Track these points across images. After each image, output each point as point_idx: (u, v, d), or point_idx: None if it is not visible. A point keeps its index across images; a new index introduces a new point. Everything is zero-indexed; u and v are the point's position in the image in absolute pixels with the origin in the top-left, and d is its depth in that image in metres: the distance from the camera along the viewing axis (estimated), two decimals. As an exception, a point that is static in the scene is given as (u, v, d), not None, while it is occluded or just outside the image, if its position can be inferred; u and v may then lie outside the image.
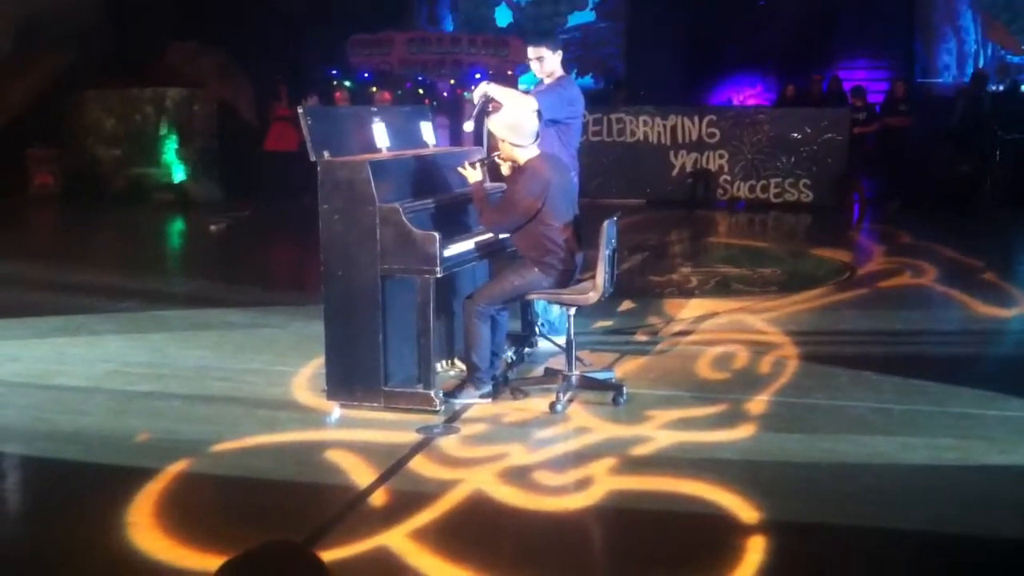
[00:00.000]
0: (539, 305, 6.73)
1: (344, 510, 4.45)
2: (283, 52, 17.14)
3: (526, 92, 7.08)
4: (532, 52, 6.83)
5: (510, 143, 5.75)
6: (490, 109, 6.38)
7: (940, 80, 19.51)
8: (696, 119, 15.24)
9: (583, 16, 20.87)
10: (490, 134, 6.79)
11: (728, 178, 15.08)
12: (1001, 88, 17.79)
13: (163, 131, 16.29)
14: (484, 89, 6.44)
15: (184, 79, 16.65)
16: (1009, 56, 19.05)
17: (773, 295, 8.73)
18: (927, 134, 15.87)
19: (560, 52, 6.89)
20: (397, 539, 4.16)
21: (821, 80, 17.03)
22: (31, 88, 15.91)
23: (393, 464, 4.92)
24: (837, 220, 13.83)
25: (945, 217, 13.55)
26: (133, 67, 16.29)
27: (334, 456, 5.04)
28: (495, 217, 5.76)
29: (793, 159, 14.80)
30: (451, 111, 15.70)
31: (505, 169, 5.93)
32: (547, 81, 6.87)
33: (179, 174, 16.27)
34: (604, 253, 5.68)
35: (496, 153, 6.02)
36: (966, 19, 19.69)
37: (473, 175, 5.87)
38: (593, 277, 5.73)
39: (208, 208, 14.81)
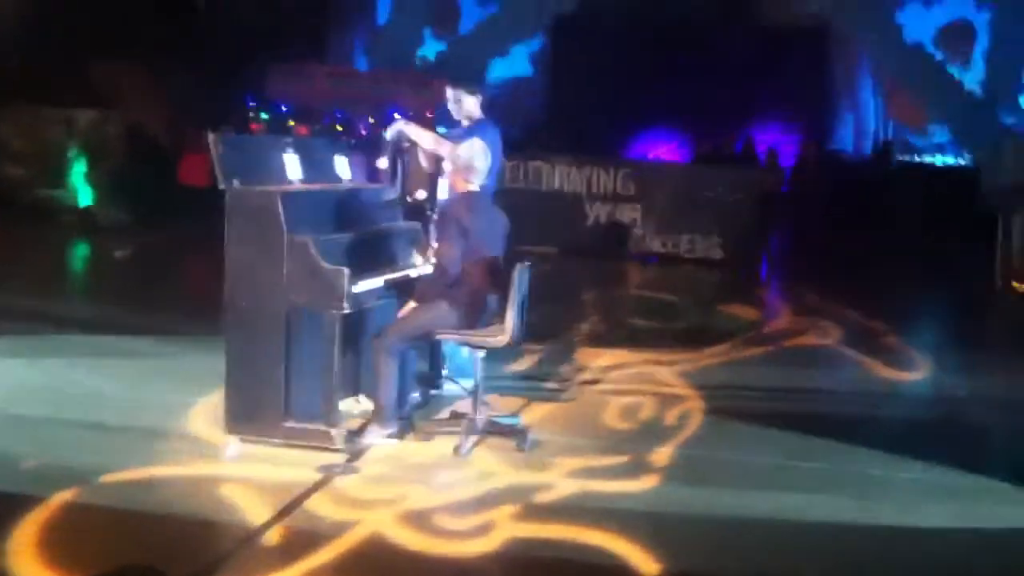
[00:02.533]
0: (448, 347, 6.66)
1: (236, 548, 4.33)
2: (201, 81, 16.91)
3: (443, 135, 7.06)
4: (451, 93, 6.82)
5: (462, 179, 5.82)
6: (405, 147, 6.39)
7: (847, 148, 20.04)
8: (612, 170, 15.36)
9: (519, 67, 20.99)
10: (406, 172, 6.76)
11: (641, 231, 15.21)
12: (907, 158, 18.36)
13: (72, 153, 15.92)
14: (400, 127, 6.42)
15: (98, 96, 16.30)
16: (910, 135, 19.51)
17: (681, 348, 8.77)
18: (835, 197, 16.26)
19: (479, 96, 6.88)
20: (290, 580, 4.04)
21: (735, 139, 17.38)
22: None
23: (290, 502, 4.80)
24: (746, 278, 14.02)
25: (851, 280, 13.81)
26: (50, 84, 15.90)
27: (229, 491, 4.90)
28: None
29: (705, 215, 14.99)
30: (368, 148, 15.61)
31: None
32: (464, 123, 6.85)
33: (86, 197, 15.89)
34: (515, 298, 5.65)
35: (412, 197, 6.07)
36: (866, 93, 20.23)
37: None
38: (503, 321, 5.69)
39: (114, 233, 14.47)
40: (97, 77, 16.73)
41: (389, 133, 6.48)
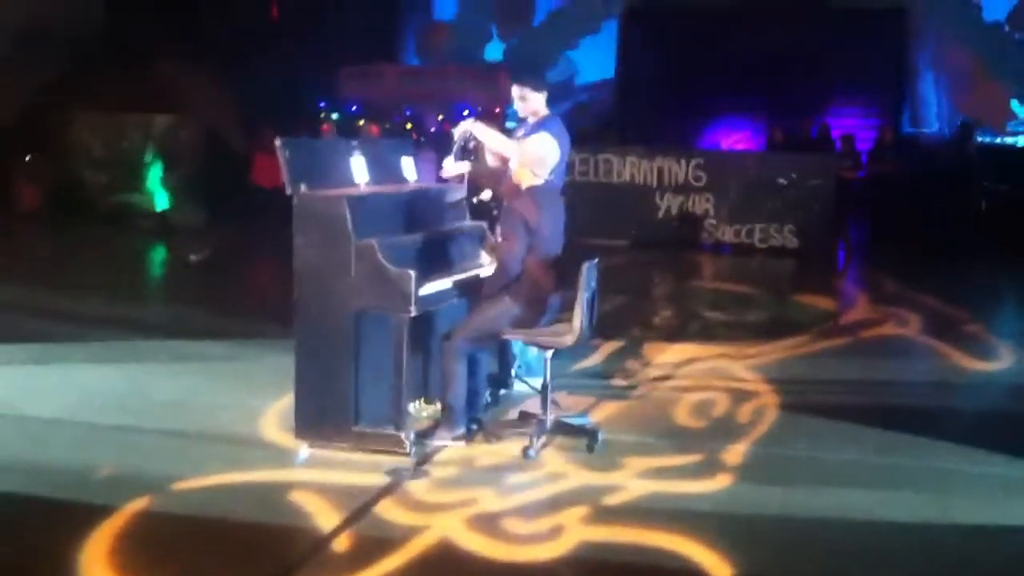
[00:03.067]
0: (516, 346, 6.63)
1: (306, 554, 4.34)
2: (275, 83, 17.11)
3: (510, 133, 7.01)
4: (516, 91, 6.74)
5: (531, 172, 5.74)
6: (472, 146, 6.34)
7: (927, 130, 19.57)
8: (683, 161, 15.21)
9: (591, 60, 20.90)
10: (473, 172, 6.72)
11: (713, 221, 15.04)
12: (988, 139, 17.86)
13: (149, 157, 16.21)
14: (467, 127, 6.37)
15: (173, 101, 16.56)
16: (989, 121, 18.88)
17: (755, 341, 8.64)
18: (914, 181, 15.90)
19: (544, 92, 6.80)
20: (360, 586, 4.04)
21: (810, 126, 17.07)
22: (21, 98, 15.86)
23: (359, 507, 4.80)
24: (822, 267, 13.78)
25: (930, 266, 13.52)
26: (123, 87, 16.19)
27: (299, 497, 4.92)
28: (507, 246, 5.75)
29: (779, 204, 14.76)
30: (438, 146, 15.66)
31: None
32: (531, 120, 6.78)
33: (163, 201, 16.17)
34: (583, 295, 5.60)
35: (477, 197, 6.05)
36: (943, 74, 19.74)
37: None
38: (571, 319, 5.64)
39: (191, 236, 14.69)
40: (172, 82, 17.00)
41: (457, 132, 6.44)
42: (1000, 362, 8.38)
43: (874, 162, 15.94)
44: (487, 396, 6.34)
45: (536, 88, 6.69)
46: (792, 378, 7.46)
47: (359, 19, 18.99)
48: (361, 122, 16.51)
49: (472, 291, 6.06)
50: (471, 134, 6.40)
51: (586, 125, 17.99)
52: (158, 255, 14.35)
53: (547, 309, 5.75)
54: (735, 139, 19.83)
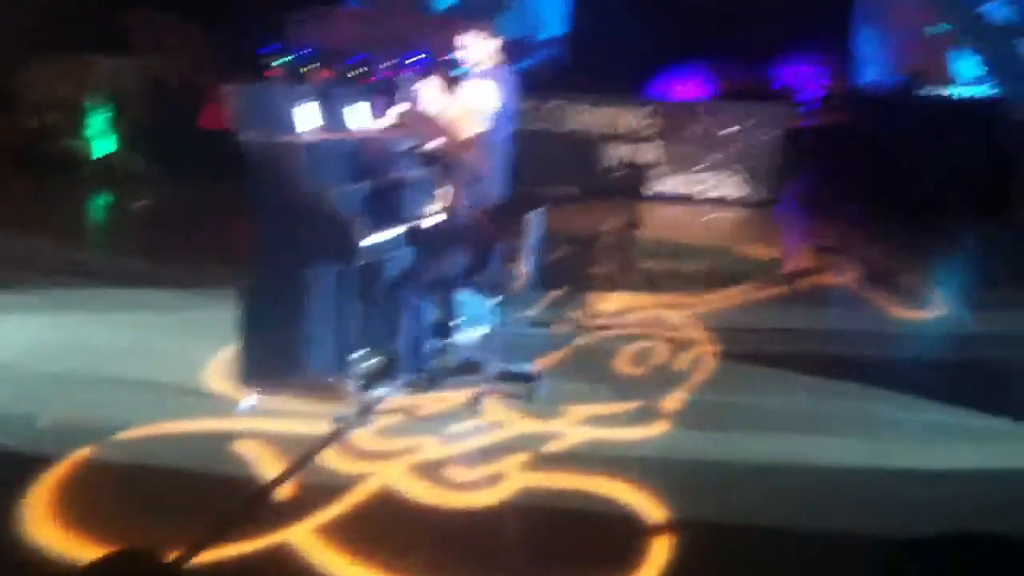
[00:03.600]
0: (461, 295, 6.67)
1: (249, 502, 4.39)
2: (221, 27, 16.86)
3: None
4: (460, 40, 6.75)
5: (471, 120, 5.82)
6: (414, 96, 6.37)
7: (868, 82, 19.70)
8: (633, 111, 15.25)
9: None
10: (425, 116, 6.72)
11: (663, 171, 15.13)
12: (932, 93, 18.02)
13: (93, 102, 15.94)
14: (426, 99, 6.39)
15: (121, 46, 16.29)
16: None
17: (696, 291, 8.76)
18: (862, 134, 16.06)
19: (492, 40, 6.80)
20: (301, 534, 4.11)
21: (760, 76, 17.17)
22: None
23: (303, 456, 4.87)
24: (768, 217, 13.93)
25: (877, 216, 13.71)
26: (68, 32, 15.88)
27: (243, 446, 4.97)
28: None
29: (728, 153, 14.88)
30: (391, 92, 15.54)
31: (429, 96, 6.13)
32: (477, 70, 6.80)
33: (107, 147, 15.94)
34: (529, 243, 5.65)
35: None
36: (892, 26, 19.83)
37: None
38: (516, 267, 5.70)
39: (135, 182, 14.54)
40: (118, 26, 16.71)
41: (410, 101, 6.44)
42: (934, 311, 8.58)
43: (823, 113, 16.08)
44: (431, 344, 6.39)
45: (483, 36, 6.70)
46: (731, 327, 7.59)
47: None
48: (313, 67, 16.33)
49: (420, 240, 6.08)
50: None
51: (537, 74, 17.96)
52: (101, 201, 14.17)
53: (493, 257, 5.80)
54: (686, 89, 19.88)
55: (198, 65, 16.90)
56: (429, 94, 6.32)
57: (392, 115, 6.37)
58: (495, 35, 6.92)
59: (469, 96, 5.87)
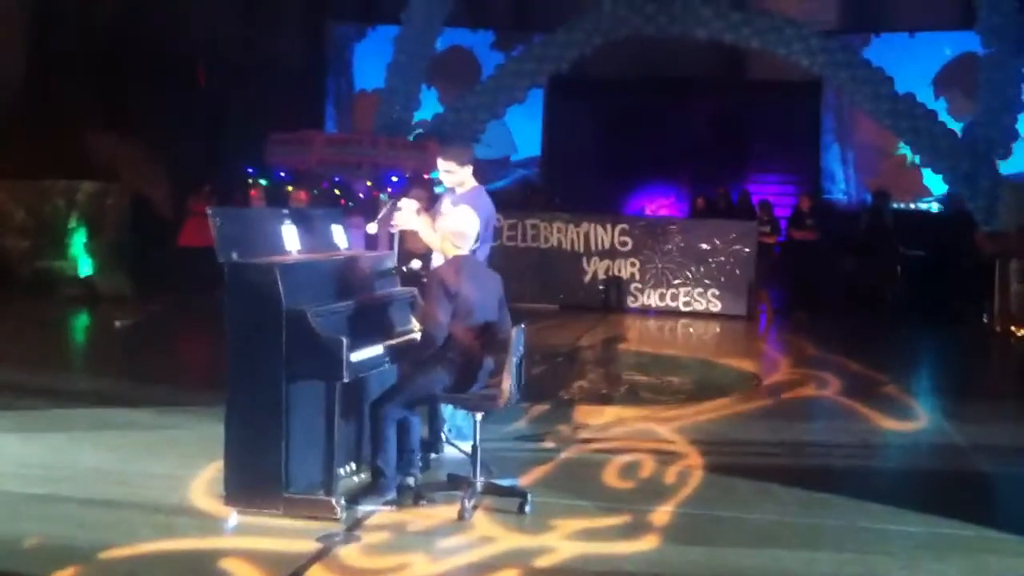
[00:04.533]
0: (446, 410, 6.69)
1: (237, 622, 4.32)
2: (201, 148, 17.13)
3: (438, 199, 7.18)
4: (442, 164, 6.93)
5: (452, 244, 5.91)
6: (394, 215, 6.51)
7: (838, 199, 20.16)
8: (608, 227, 15.49)
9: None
10: (402, 236, 6.84)
11: (639, 285, 15.30)
12: (902, 206, 18.46)
13: (73, 224, 16.03)
14: (399, 222, 6.54)
15: (100, 170, 16.45)
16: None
17: (680, 404, 8.80)
18: (832, 247, 16.38)
19: (469, 165, 6.98)
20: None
21: (731, 193, 17.53)
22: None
23: (291, 574, 4.79)
24: (744, 330, 14.06)
25: (850, 330, 13.88)
26: (48, 156, 16.04)
27: (230, 565, 4.90)
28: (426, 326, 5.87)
29: (702, 269, 15.09)
30: (367, 212, 15.72)
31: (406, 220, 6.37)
32: (458, 191, 6.95)
33: (87, 268, 15.98)
34: (512, 360, 5.70)
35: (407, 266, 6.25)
36: (859, 143, 20.40)
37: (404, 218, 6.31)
38: (500, 383, 5.73)
39: (116, 303, 14.53)
40: (97, 149, 16.89)
41: (398, 220, 6.59)
42: (916, 422, 8.63)
43: (793, 228, 16.38)
44: (418, 460, 6.37)
45: (460, 162, 6.89)
46: (716, 440, 7.61)
47: (285, 88, 19.14)
48: (289, 188, 16.52)
49: (403, 357, 6.13)
50: (401, 228, 6.58)
51: (514, 191, 18.29)
52: (83, 322, 14.15)
53: (477, 374, 5.84)
54: (659, 205, 20.24)
55: (175, 188, 17.08)
56: (407, 214, 6.48)
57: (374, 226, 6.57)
58: (470, 159, 7.09)
59: (450, 222, 5.99)
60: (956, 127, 17.49)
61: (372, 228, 6.78)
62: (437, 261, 6.84)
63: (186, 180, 16.39)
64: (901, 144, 18.71)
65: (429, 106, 20.44)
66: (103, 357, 11.58)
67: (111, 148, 16.91)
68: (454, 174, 6.87)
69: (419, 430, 6.25)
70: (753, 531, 5.64)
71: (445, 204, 6.87)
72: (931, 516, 5.90)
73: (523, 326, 5.95)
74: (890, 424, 8.37)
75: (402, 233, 6.94)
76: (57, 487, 5.98)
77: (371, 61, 21.53)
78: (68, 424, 7.47)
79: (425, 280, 7.05)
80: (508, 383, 5.69)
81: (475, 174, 7.04)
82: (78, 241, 16.01)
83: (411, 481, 6.06)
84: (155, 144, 16.90)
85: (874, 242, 16.57)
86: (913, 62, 19.09)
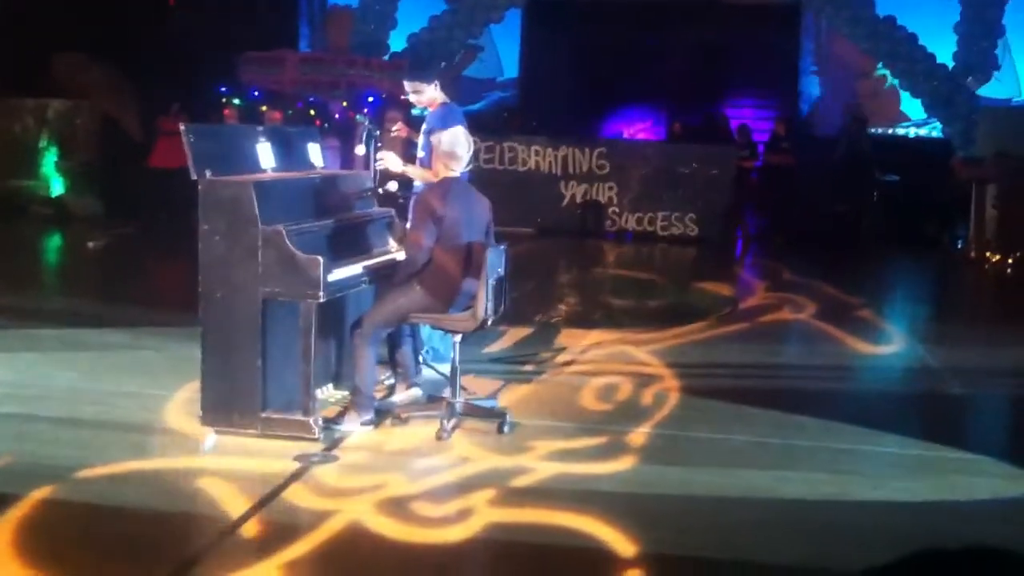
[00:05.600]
0: (424, 331, 6.67)
1: (214, 541, 4.33)
2: (174, 68, 16.80)
3: (417, 122, 7.14)
4: (408, 86, 6.89)
5: (444, 166, 5.85)
6: (377, 134, 6.44)
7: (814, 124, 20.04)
8: (587, 151, 15.40)
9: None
10: (378, 160, 6.77)
11: (616, 210, 15.26)
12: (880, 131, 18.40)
13: (43, 143, 15.79)
14: (385, 167, 6.50)
15: (70, 90, 16.19)
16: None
17: (657, 327, 8.82)
18: (810, 172, 16.36)
19: (436, 82, 6.93)
20: (268, 572, 4.04)
21: (708, 117, 17.42)
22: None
23: (268, 493, 4.79)
24: (721, 254, 14.09)
25: (825, 254, 13.92)
26: (17, 75, 15.74)
27: (206, 484, 4.89)
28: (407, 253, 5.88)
29: (680, 193, 15.05)
30: (342, 133, 15.56)
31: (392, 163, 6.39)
32: (431, 109, 6.91)
33: (58, 188, 15.79)
34: (488, 281, 5.66)
35: (384, 187, 6.21)
36: (837, 67, 20.25)
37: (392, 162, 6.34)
38: (479, 303, 5.70)
39: (88, 223, 14.39)
40: (68, 68, 16.58)
41: (384, 166, 6.55)
42: (890, 346, 8.70)
43: (770, 153, 16.34)
44: (412, 366, 6.36)
45: (425, 79, 6.87)
46: (692, 363, 7.64)
47: (257, 5, 18.77)
48: (264, 108, 16.31)
49: (381, 277, 6.08)
50: (388, 172, 6.53)
51: (491, 114, 18.10)
52: (55, 243, 14.01)
53: (458, 296, 5.80)
54: (636, 129, 20.10)
55: (147, 107, 16.82)
56: (392, 160, 6.46)
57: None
58: (435, 76, 7.05)
59: (445, 143, 5.92)
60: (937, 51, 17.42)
61: (360, 151, 6.76)
62: (417, 183, 6.79)
63: (158, 101, 16.12)
64: (880, 66, 18.63)
65: (405, 25, 20.12)
66: (75, 278, 11.49)
67: (80, 67, 16.61)
68: (422, 93, 6.86)
69: (396, 351, 6.24)
70: (728, 452, 5.68)
71: (426, 126, 6.83)
72: (903, 437, 5.97)
73: (503, 247, 5.91)
74: (864, 347, 8.43)
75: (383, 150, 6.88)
76: (30, 406, 5.95)
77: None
78: (40, 344, 7.42)
79: (402, 201, 7.02)
80: (482, 304, 5.66)
81: (445, 90, 7.01)
82: (49, 161, 15.79)
83: (416, 391, 6.15)
84: (125, 64, 16.61)
85: (850, 166, 16.57)
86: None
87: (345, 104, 17.21)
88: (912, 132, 19.33)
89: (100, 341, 7.57)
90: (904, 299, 11.91)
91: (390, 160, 6.53)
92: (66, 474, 4.91)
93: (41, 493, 4.67)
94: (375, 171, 6.77)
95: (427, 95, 6.87)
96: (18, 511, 4.48)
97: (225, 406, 5.48)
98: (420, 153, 6.93)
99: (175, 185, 13.72)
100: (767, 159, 16.33)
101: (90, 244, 12.78)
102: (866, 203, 16.19)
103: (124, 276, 11.14)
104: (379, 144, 6.77)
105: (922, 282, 13.16)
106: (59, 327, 7.94)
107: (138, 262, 12.43)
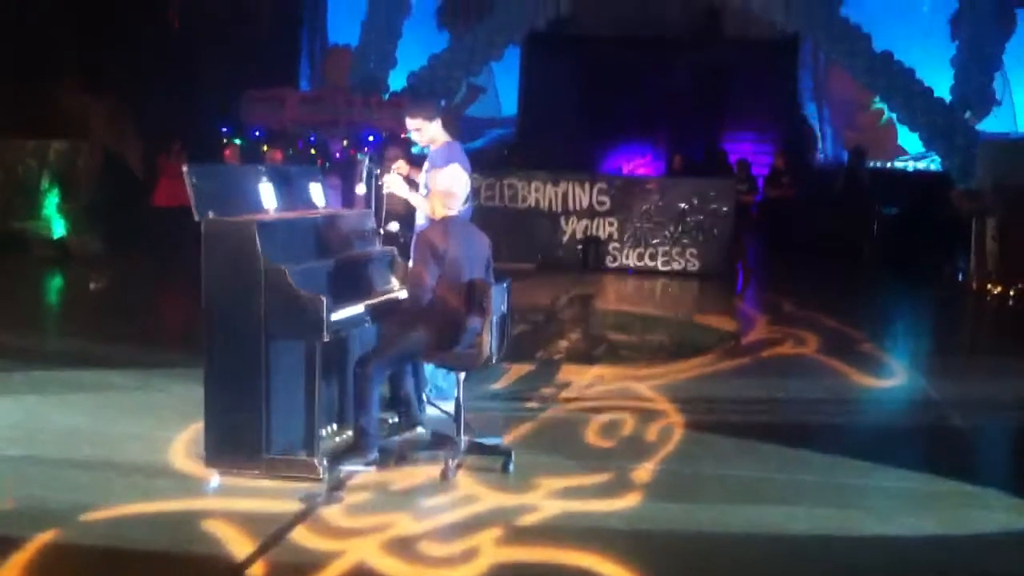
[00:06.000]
0: (428, 369, 6.67)
1: (221, 583, 4.31)
2: (175, 106, 16.90)
3: (417, 160, 7.18)
4: (410, 123, 6.92)
5: (442, 205, 5.92)
6: (378, 173, 6.48)
7: (817, 157, 20.17)
8: (587, 186, 15.44)
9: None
10: (385, 197, 6.79)
11: (617, 245, 15.28)
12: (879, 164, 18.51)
13: (45, 184, 15.84)
14: (387, 188, 6.55)
15: (72, 125, 16.25)
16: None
17: (660, 362, 8.82)
18: (809, 204, 16.43)
19: (438, 120, 6.97)
20: (275, 613, 4.03)
21: (708, 151, 17.51)
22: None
23: (273, 534, 4.79)
24: (722, 289, 14.09)
25: (826, 287, 13.93)
26: (18, 113, 15.80)
27: (212, 526, 4.88)
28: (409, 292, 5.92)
29: (680, 228, 15.07)
30: (343, 172, 15.61)
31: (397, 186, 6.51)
32: (432, 147, 6.94)
33: (60, 228, 15.82)
34: (491, 319, 5.68)
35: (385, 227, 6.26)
36: (834, 102, 20.41)
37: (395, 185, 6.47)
38: (482, 341, 5.71)
39: (90, 264, 14.40)
40: (68, 107, 16.67)
41: (384, 184, 6.61)
42: (893, 379, 8.70)
43: (770, 187, 16.40)
44: (398, 419, 6.36)
45: (428, 118, 6.91)
46: (696, 397, 7.63)
47: (259, 43, 18.92)
48: (265, 148, 16.38)
49: (384, 315, 6.09)
50: (391, 195, 6.58)
51: (491, 151, 18.17)
52: (57, 284, 14.02)
53: (462, 334, 5.81)
54: (636, 164, 20.19)
55: (148, 145, 16.91)
56: (395, 181, 6.49)
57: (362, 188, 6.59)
58: (438, 114, 7.08)
59: (442, 182, 5.97)
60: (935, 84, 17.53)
61: (360, 189, 6.79)
62: (420, 221, 6.82)
63: (159, 137, 16.20)
64: (876, 99, 18.75)
65: (405, 64, 20.27)
66: (77, 318, 11.46)
67: (83, 104, 16.70)
68: (423, 131, 6.89)
69: (400, 390, 6.24)
70: (733, 487, 5.67)
71: (427, 165, 6.86)
72: (908, 471, 5.97)
73: (506, 284, 5.92)
74: (867, 381, 8.42)
75: (381, 197, 6.91)
76: (32, 449, 5.94)
77: (345, 14, 21.30)
78: (42, 386, 7.39)
79: (403, 241, 7.05)
80: (487, 342, 5.67)
81: (447, 128, 7.04)
82: (51, 202, 15.83)
83: (420, 429, 6.20)
84: (127, 100, 16.70)
85: (850, 199, 16.63)
86: (891, 18, 19.06)
87: (346, 143, 17.30)
88: (911, 166, 19.45)
89: (104, 382, 7.55)
90: (906, 332, 11.90)
91: (394, 183, 6.57)
92: (70, 517, 4.90)
93: (45, 536, 4.67)
94: (377, 210, 6.81)
95: (428, 133, 6.90)
96: (23, 555, 4.47)
97: (230, 447, 5.48)
98: (422, 191, 6.96)
99: (178, 223, 13.77)
100: (767, 193, 16.39)
101: (92, 285, 12.78)
102: (866, 234, 16.24)
103: (128, 316, 11.11)
104: (380, 183, 6.80)
105: (924, 314, 13.15)
106: (62, 368, 7.92)
107: (141, 301, 12.41)
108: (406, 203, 6.93)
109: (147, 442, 6.11)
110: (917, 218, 15.76)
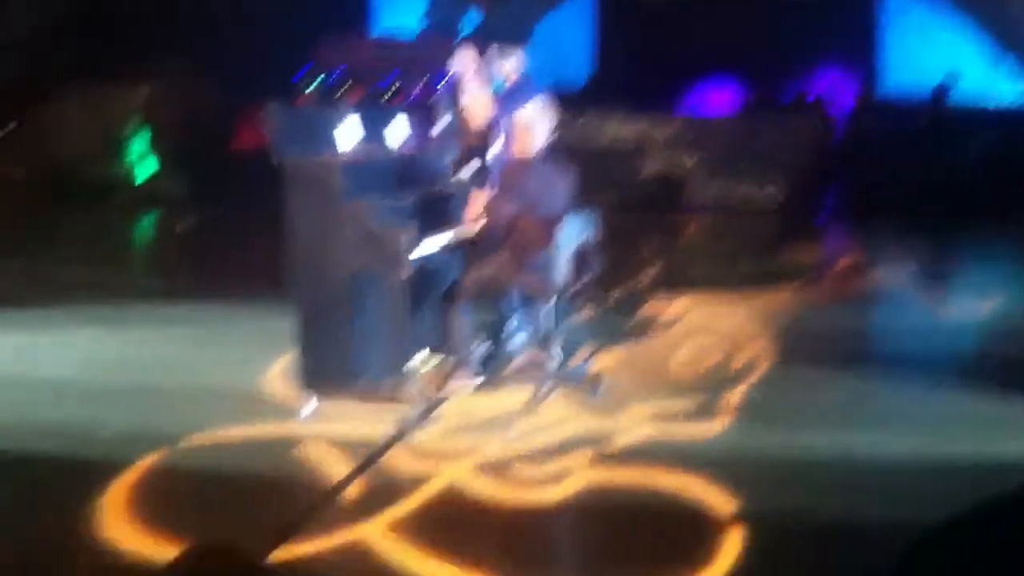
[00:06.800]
0: (515, 298, 6.68)
1: (317, 504, 4.40)
2: (253, 54, 17.02)
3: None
4: (490, 58, 6.91)
5: (521, 138, 5.94)
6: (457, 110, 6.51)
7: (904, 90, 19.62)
8: (665, 124, 15.26)
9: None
10: (463, 133, 6.80)
11: (696, 182, 15.11)
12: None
13: (131, 129, 16.11)
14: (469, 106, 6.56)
15: (157, 73, 16.49)
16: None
17: (743, 293, 8.74)
18: (892, 142, 16.03)
19: (513, 56, 6.96)
20: (372, 533, 4.11)
21: (790, 88, 17.17)
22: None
23: (368, 457, 4.87)
24: (804, 225, 13.88)
25: (915, 223, 13.63)
26: (106, 60, 16.05)
27: (308, 449, 4.98)
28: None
29: (760, 165, 14.83)
30: (422, 110, 15.61)
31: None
32: (507, 84, 6.95)
33: (145, 173, 16.10)
34: (570, 247, 5.68)
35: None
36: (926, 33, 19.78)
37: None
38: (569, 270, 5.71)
39: (176, 207, 14.65)
40: (154, 53, 16.88)
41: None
42: (978, 308, 8.51)
43: (853, 122, 16.05)
44: (492, 346, 6.40)
45: (503, 55, 6.90)
46: (784, 326, 7.56)
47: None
48: (343, 89, 16.45)
49: (468, 247, 6.12)
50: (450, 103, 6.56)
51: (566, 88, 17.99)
52: (144, 225, 14.30)
53: (543, 263, 5.80)
54: (716, 101, 19.88)
55: (229, 90, 17.08)
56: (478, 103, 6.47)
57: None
58: (515, 50, 7.06)
59: (526, 117, 5.96)
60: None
61: (440, 125, 6.81)
62: (497, 152, 6.82)
63: (242, 83, 16.33)
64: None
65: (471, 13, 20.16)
66: (166, 258, 11.72)
67: (165, 51, 16.90)
68: (503, 65, 6.88)
69: (492, 317, 6.29)
70: (824, 413, 5.64)
71: (505, 102, 6.86)
72: (997, 396, 5.85)
73: (588, 215, 5.90)
74: (955, 309, 8.27)
75: (462, 126, 6.92)
76: (131, 378, 6.12)
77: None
78: (136, 320, 7.59)
79: (481, 176, 7.07)
80: (564, 271, 5.67)
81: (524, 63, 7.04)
82: (136, 147, 16.11)
83: (511, 356, 6.23)
84: (208, 47, 16.86)
85: (936, 135, 16.19)
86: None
87: (424, 81, 17.29)
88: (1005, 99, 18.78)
89: (195, 316, 7.71)
90: (990, 263, 11.61)
91: (478, 103, 6.53)
92: (173, 440, 5.04)
93: (149, 459, 4.81)
94: (456, 145, 6.82)
95: (508, 67, 6.88)
96: (130, 475, 4.62)
97: (323, 374, 5.56)
98: (502, 128, 6.94)
99: (260, 166, 13.91)
100: (850, 129, 16.04)
101: (178, 227, 13.02)
102: (953, 170, 15.81)
103: (214, 256, 11.32)
104: (461, 112, 6.79)
105: (1011, 249, 12.81)
106: (155, 304, 8.11)
107: (227, 242, 12.62)
108: (485, 135, 6.93)
109: (242, 369, 6.25)
110: (1010, 154, 15.21)
